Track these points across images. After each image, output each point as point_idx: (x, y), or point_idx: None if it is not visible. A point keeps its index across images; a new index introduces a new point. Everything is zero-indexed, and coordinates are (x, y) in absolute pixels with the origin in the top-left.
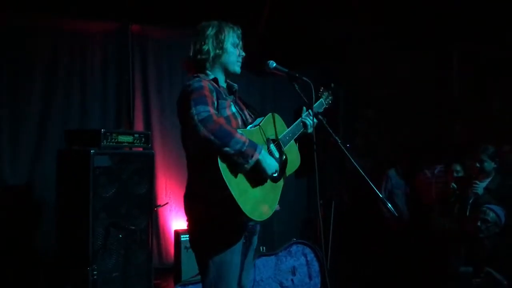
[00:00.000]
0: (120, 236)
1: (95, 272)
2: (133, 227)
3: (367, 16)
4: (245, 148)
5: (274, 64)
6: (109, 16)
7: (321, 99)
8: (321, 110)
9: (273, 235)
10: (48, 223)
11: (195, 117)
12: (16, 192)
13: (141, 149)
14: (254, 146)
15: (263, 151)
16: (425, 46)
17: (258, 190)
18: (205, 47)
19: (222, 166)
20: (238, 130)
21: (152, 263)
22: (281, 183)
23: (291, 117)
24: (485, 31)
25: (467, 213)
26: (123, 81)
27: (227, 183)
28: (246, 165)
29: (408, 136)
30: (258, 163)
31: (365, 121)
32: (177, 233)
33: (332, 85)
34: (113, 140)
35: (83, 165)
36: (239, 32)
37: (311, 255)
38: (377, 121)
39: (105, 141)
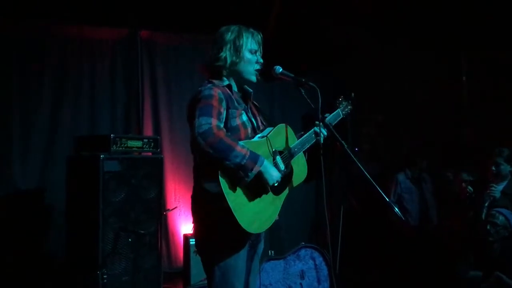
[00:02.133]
0: (130, 240)
1: (105, 277)
2: (142, 232)
3: (374, 20)
4: (244, 161)
5: (281, 69)
6: (118, 23)
7: (338, 110)
8: (336, 121)
9: (282, 239)
10: (57, 228)
11: (196, 129)
12: (27, 197)
13: (150, 154)
14: (255, 158)
15: (265, 162)
16: (434, 50)
17: (257, 202)
18: (222, 54)
19: (222, 179)
20: (241, 142)
21: (162, 267)
22: (283, 195)
23: (299, 122)
24: (494, 34)
25: (483, 217)
26: (132, 87)
27: (226, 196)
28: (246, 178)
29: (417, 141)
30: (259, 175)
31: (373, 126)
32: (186, 237)
33: (353, 94)
34: (123, 145)
35: (93, 170)
36: (259, 37)
37: (319, 259)
38: (385, 126)
39: (114, 146)
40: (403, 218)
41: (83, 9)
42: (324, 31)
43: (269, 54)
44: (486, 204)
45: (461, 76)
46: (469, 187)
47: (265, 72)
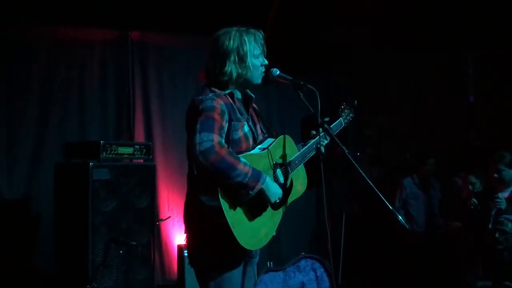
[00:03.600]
0: (121, 252)
1: None
2: (134, 243)
3: (376, 20)
4: (247, 180)
5: (278, 72)
6: (108, 24)
7: (340, 118)
8: (338, 130)
9: (281, 249)
10: (46, 239)
11: (197, 146)
12: (13, 207)
13: (142, 160)
14: (257, 177)
15: (267, 180)
16: (439, 50)
17: (256, 218)
18: (227, 69)
19: (222, 194)
20: (242, 158)
21: (155, 280)
22: (282, 210)
23: (298, 126)
24: (500, 34)
25: (490, 226)
26: (123, 91)
27: (225, 212)
28: (247, 196)
29: (421, 144)
30: (261, 193)
31: (375, 129)
32: (181, 248)
33: (355, 102)
34: (113, 152)
35: (82, 179)
36: (261, 37)
37: (321, 270)
38: (388, 129)
39: (104, 153)
40: (407, 227)
41: (71, 9)
42: (325, 32)
43: (267, 56)
44: (493, 213)
45: (467, 76)
46: (474, 199)
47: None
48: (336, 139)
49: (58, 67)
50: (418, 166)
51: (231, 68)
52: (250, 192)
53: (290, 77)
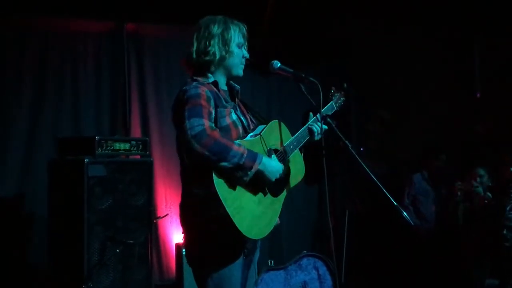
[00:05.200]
0: (117, 251)
1: None
2: (131, 241)
3: (379, 9)
4: (243, 160)
5: (279, 64)
6: (102, 15)
7: (331, 102)
8: (330, 113)
9: (282, 247)
10: (40, 238)
11: (188, 132)
12: (5, 205)
13: (138, 156)
14: (253, 156)
15: (263, 159)
16: (444, 40)
17: (256, 205)
18: (211, 49)
19: (218, 182)
20: (236, 141)
21: (152, 279)
22: (282, 196)
23: (299, 120)
24: (508, 28)
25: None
26: (118, 84)
27: (223, 201)
28: (245, 178)
29: (426, 138)
30: (259, 173)
31: (379, 122)
32: (179, 247)
33: (345, 85)
34: (109, 147)
35: (77, 175)
36: (244, 30)
37: (323, 269)
38: (392, 122)
39: (99, 149)
40: (412, 223)
41: (63, 0)
42: (326, 22)
43: (267, 48)
44: (508, 208)
45: (474, 66)
46: (488, 193)
47: (262, 67)
48: (339, 133)
49: (51, 60)
50: (428, 161)
51: (215, 49)
52: (248, 172)
53: (291, 70)
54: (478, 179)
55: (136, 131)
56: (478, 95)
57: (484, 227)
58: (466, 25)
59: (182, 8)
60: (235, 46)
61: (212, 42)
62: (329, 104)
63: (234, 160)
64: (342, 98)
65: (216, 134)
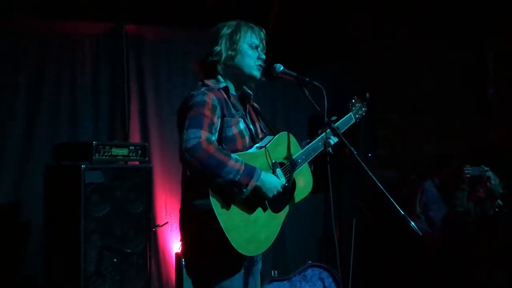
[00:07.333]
0: (115, 260)
1: None
2: (129, 250)
3: (389, 10)
4: (238, 177)
5: (282, 68)
6: (101, 17)
7: (350, 113)
8: (347, 126)
9: (286, 257)
10: (35, 247)
11: (184, 144)
12: (0, 212)
13: (137, 162)
14: (250, 173)
15: (262, 175)
16: (457, 43)
17: (254, 222)
18: (217, 48)
19: (213, 198)
20: (234, 155)
21: None
22: (283, 213)
23: (304, 125)
24: None
25: None
26: (117, 87)
27: (218, 217)
28: (241, 195)
29: (438, 144)
30: (256, 190)
31: (389, 128)
32: (179, 256)
33: (368, 95)
34: (106, 153)
35: (73, 182)
36: (261, 33)
37: (329, 280)
38: (403, 127)
39: (97, 154)
40: (420, 234)
41: (61, 2)
42: (333, 23)
43: (270, 51)
44: None
45: (488, 69)
46: (499, 201)
47: (265, 70)
48: (344, 139)
49: (48, 62)
50: (439, 168)
51: (221, 48)
52: (244, 190)
53: (294, 73)
54: (488, 184)
55: (135, 136)
56: (491, 99)
57: (496, 238)
58: (479, 27)
59: (185, 10)
60: (246, 46)
61: (219, 42)
62: (347, 115)
63: (229, 176)
64: (363, 109)
65: (212, 148)
